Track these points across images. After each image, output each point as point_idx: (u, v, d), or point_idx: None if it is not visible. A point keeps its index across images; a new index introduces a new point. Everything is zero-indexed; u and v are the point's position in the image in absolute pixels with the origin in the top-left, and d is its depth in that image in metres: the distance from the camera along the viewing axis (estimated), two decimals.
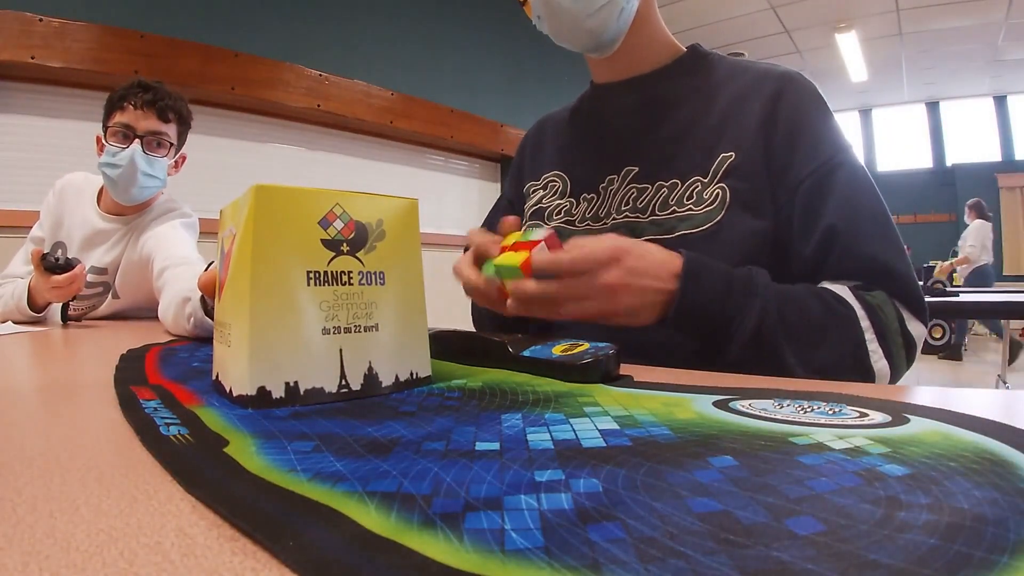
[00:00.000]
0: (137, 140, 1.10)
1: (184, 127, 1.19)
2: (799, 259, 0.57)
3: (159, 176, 1.16)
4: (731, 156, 0.58)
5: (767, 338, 0.48)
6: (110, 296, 1.24)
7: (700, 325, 0.49)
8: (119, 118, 1.10)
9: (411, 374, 0.38)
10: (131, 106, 1.09)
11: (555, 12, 0.60)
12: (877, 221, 0.56)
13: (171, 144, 1.16)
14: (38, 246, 1.23)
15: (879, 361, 0.51)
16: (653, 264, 0.48)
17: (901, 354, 0.53)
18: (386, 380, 0.36)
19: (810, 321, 0.50)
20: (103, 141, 1.13)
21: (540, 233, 0.47)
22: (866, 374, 0.51)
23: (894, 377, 0.52)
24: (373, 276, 0.36)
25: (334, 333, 0.34)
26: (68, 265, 1.02)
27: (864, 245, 0.55)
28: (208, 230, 2.61)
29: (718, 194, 0.58)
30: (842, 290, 0.53)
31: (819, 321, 0.51)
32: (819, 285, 0.55)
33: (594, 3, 0.59)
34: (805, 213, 0.56)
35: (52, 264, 1.01)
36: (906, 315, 0.54)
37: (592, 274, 0.46)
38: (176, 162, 1.21)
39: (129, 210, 1.21)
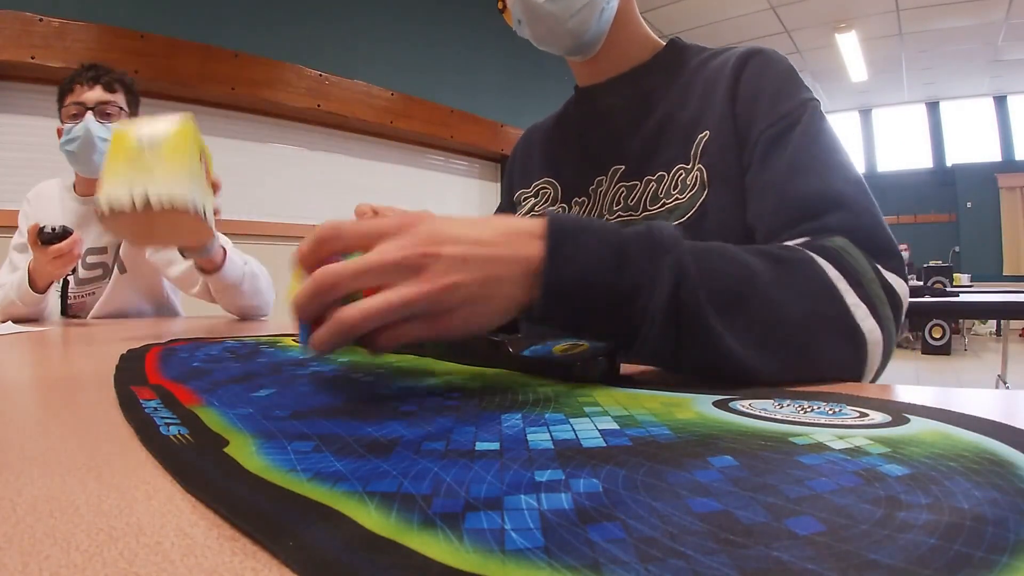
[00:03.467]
0: (89, 112, 1.17)
1: (132, 96, 1.26)
2: (748, 214, 0.53)
3: None
4: (706, 135, 0.58)
5: (689, 309, 0.33)
6: (113, 276, 1.29)
7: (586, 307, 0.33)
8: (70, 99, 1.18)
9: None
10: (79, 86, 1.18)
11: (535, 15, 0.60)
12: (829, 162, 0.47)
13: (121, 109, 1.22)
14: (21, 253, 1.28)
15: (865, 319, 0.37)
16: (472, 225, 0.33)
17: (886, 310, 0.39)
18: None
19: (754, 275, 0.36)
20: (60, 131, 1.19)
21: None
22: (851, 337, 0.37)
23: (887, 346, 0.39)
24: None
25: None
26: (65, 233, 1.07)
27: (809, 181, 0.46)
28: None
29: (697, 176, 0.57)
30: (787, 244, 0.42)
31: (768, 274, 0.36)
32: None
33: (574, 5, 0.59)
34: (759, 165, 0.53)
35: (50, 235, 1.05)
36: (877, 264, 0.41)
37: (376, 252, 0.31)
38: None
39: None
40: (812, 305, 0.37)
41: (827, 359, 0.37)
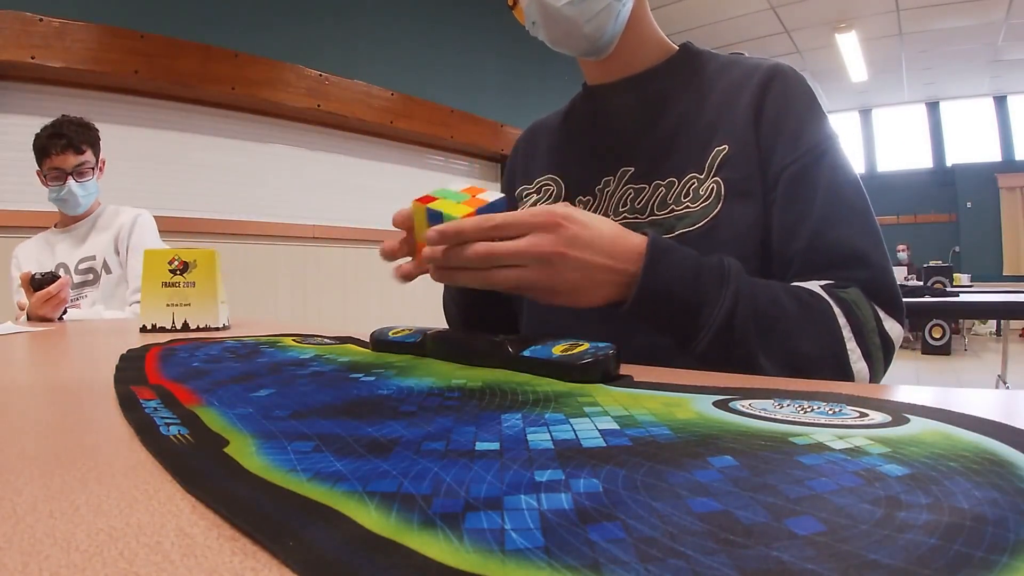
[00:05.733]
0: (68, 176, 1.45)
1: (95, 146, 1.52)
2: (777, 246, 0.56)
3: (92, 190, 1.53)
4: (724, 149, 0.58)
5: (739, 330, 0.45)
6: (102, 277, 1.53)
7: (664, 312, 0.46)
8: (49, 164, 1.44)
9: None
10: (55, 153, 1.43)
11: (553, 19, 0.60)
12: (856, 211, 0.55)
13: (92, 168, 1.50)
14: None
15: (858, 362, 0.49)
16: (599, 237, 0.44)
17: (879, 355, 0.50)
18: None
19: (785, 313, 0.48)
20: (43, 178, 1.47)
21: (489, 196, 0.44)
22: (844, 376, 0.49)
23: (873, 380, 0.50)
24: None
25: None
26: (53, 277, 1.29)
27: (839, 231, 0.53)
28: (206, 230, 2.59)
29: (713, 188, 0.57)
30: (813, 286, 0.51)
31: (794, 314, 0.48)
32: (790, 284, 0.53)
33: (592, 8, 0.59)
34: (784, 201, 0.56)
35: (39, 280, 1.27)
36: (882, 314, 0.51)
37: (524, 238, 0.42)
38: (100, 168, 1.55)
39: (80, 218, 1.56)
40: (821, 344, 0.48)
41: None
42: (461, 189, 0.47)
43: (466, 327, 0.73)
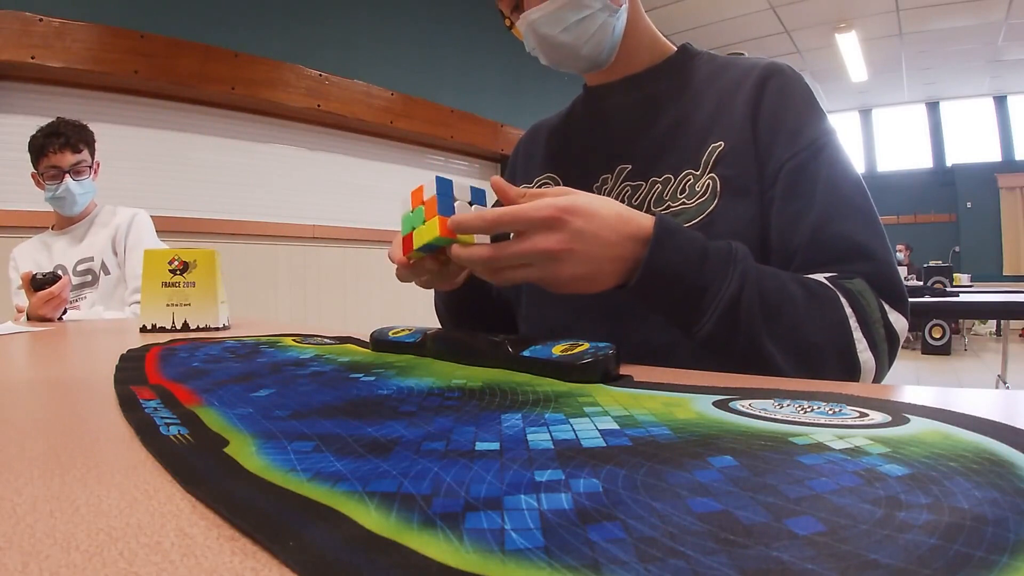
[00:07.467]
0: (66, 175, 1.46)
1: (92, 146, 1.53)
2: (776, 242, 0.56)
3: (89, 189, 1.53)
4: (720, 145, 0.58)
5: (744, 313, 0.44)
6: (101, 277, 1.53)
7: (669, 293, 0.45)
8: (46, 163, 1.45)
9: None
10: (52, 152, 1.44)
11: (551, 46, 0.61)
12: (856, 205, 0.55)
13: (89, 167, 1.51)
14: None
15: (864, 352, 0.48)
16: (604, 226, 0.43)
17: (884, 347, 0.50)
18: None
19: (792, 299, 0.47)
20: (39, 179, 1.48)
21: (426, 191, 0.44)
22: (851, 366, 0.48)
23: (878, 375, 0.50)
24: None
25: None
26: (54, 277, 1.29)
27: (841, 225, 0.53)
28: (206, 230, 2.58)
29: (709, 184, 0.57)
30: (818, 277, 0.51)
31: (801, 301, 0.47)
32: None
33: (588, 30, 0.60)
34: (784, 196, 0.56)
35: (40, 280, 1.27)
36: (887, 306, 0.51)
37: (529, 238, 0.42)
38: (95, 170, 1.55)
39: (76, 219, 1.57)
40: (828, 335, 0.47)
41: (827, 377, 0.46)
42: (411, 207, 0.47)
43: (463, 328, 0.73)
